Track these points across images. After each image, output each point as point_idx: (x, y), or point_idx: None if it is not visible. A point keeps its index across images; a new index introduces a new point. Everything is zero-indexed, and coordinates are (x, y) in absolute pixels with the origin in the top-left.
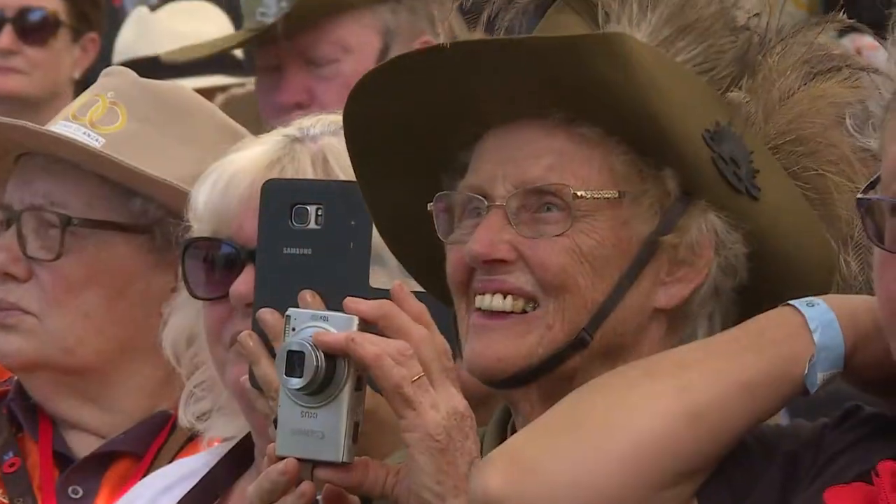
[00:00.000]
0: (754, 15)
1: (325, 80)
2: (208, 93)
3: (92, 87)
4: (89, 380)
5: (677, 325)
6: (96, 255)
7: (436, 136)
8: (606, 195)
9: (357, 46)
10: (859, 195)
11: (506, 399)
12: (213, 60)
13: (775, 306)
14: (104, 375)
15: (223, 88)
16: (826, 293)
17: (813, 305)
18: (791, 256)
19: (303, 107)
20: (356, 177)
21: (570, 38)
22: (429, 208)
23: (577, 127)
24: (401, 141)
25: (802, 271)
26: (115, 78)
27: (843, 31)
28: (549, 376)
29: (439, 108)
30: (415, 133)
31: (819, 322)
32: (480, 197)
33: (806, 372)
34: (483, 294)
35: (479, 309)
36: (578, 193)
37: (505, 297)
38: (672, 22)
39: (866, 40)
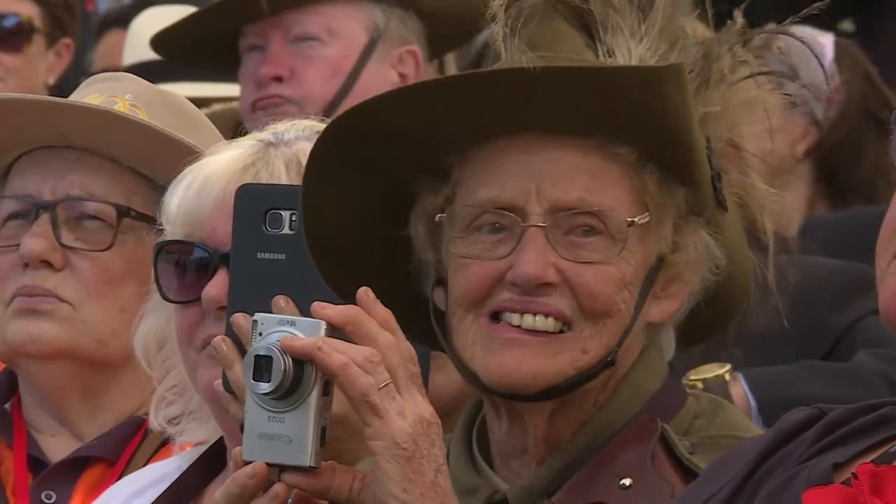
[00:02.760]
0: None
1: (305, 58)
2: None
3: (100, 88)
4: (102, 375)
5: (651, 337)
6: (134, 250)
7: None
8: (647, 219)
9: (343, 33)
10: None
11: (511, 409)
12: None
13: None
14: (116, 372)
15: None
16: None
17: None
18: (736, 268)
19: (281, 80)
20: (302, 196)
21: (646, 68)
22: (437, 219)
23: (614, 147)
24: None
25: (739, 281)
26: (126, 82)
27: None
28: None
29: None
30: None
31: None
32: (511, 214)
33: None
34: (522, 314)
35: (510, 324)
36: (632, 220)
37: (547, 318)
38: (664, 35)
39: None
